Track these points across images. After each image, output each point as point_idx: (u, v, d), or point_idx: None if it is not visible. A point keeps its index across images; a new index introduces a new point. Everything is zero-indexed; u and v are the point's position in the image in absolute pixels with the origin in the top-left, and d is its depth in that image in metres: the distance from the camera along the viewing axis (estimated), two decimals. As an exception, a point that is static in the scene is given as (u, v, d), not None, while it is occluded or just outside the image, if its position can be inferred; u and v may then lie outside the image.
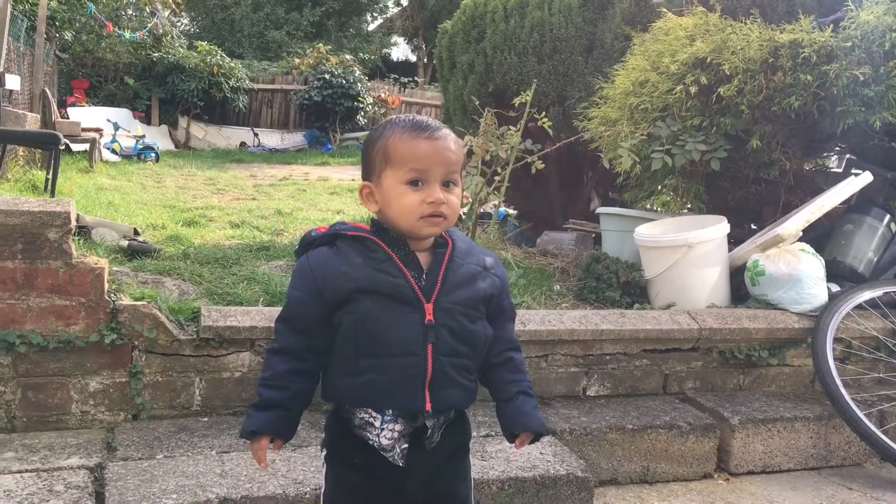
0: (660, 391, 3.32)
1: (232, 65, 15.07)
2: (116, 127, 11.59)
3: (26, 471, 2.26)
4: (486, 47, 5.44)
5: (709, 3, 4.19)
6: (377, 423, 1.53)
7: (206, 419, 2.72)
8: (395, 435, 1.53)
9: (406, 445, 1.53)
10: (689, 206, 4.32)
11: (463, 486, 1.66)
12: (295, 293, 1.55)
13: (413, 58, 26.98)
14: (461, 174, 1.55)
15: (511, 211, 6.25)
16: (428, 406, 1.50)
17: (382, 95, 16.39)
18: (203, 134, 14.95)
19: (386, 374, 1.49)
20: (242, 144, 15.01)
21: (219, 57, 14.80)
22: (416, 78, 21.15)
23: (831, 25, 3.61)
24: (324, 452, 1.63)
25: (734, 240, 3.95)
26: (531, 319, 3.11)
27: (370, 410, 1.53)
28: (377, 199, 1.53)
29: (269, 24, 21.29)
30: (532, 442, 1.67)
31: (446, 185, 1.50)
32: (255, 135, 15.33)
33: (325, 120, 15.56)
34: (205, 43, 15.54)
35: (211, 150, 14.08)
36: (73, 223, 2.58)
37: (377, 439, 1.53)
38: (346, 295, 1.49)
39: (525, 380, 1.66)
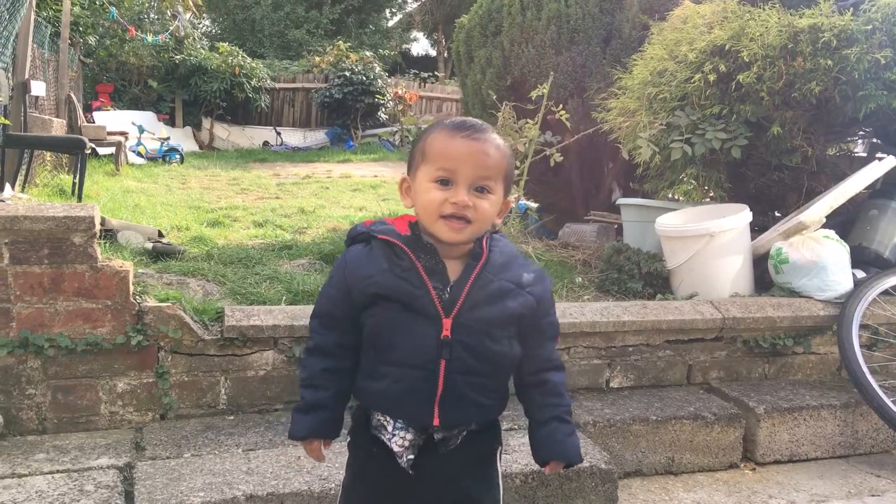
0: (683, 382, 3.31)
1: (253, 65, 15.16)
2: (141, 130, 11.73)
3: (57, 471, 2.31)
4: (503, 41, 5.44)
5: (726, -10, 4.14)
6: (389, 428, 1.52)
7: (231, 417, 2.76)
8: (406, 443, 1.51)
9: (412, 456, 1.51)
10: (710, 194, 4.30)
11: (488, 494, 1.59)
12: (328, 290, 1.56)
13: (433, 52, 26.98)
14: (504, 182, 1.49)
15: (532, 204, 6.24)
16: (436, 422, 1.47)
17: (399, 92, 16.39)
18: (226, 134, 15.07)
19: (398, 384, 1.47)
20: (265, 144, 15.11)
21: (240, 57, 14.90)
22: (436, 73, 21.12)
23: (851, 9, 3.56)
24: (349, 439, 1.64)
25: (757, 227, 3.92)
26: (552, 312, 3.10)
27: (385, 415, 1.53)
28: (412, 194, 1.52)
29: (289, 23, 21.40)
30: (566, 468, 1.62)
31: (479, 190, 1.44)
32: (278, 134, 15.43)
33: (346, 117, 15.61)
34: (226, 44, 15.65)
35: (234, 151, 14.19)
36: (98, 227, 2.63)
37: (389, 443, 1.52)
38: (369, 298, 1.47)
39: (562, 404, 1.58)
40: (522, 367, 1.57)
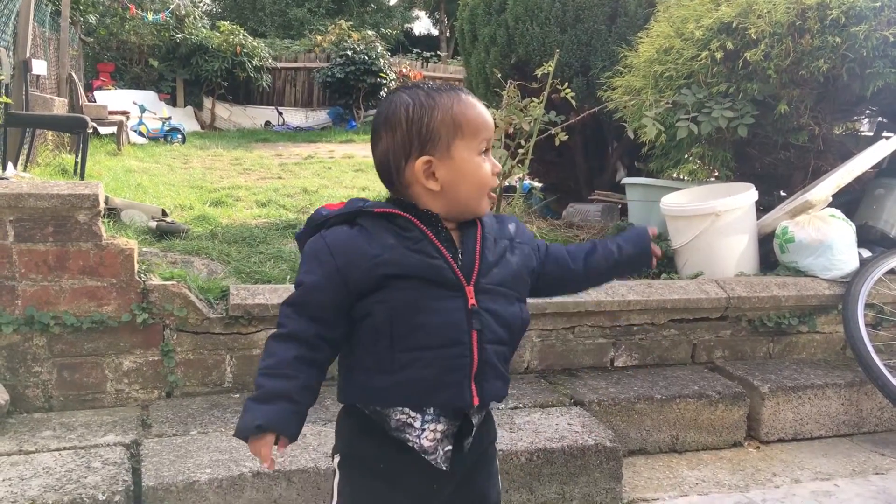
0: (688, 361, 3.31)
1: (255, 44, 15.08)
2: (143, 109, 11.69)
3: (64, 448, 2.31)
4: (508, 19, 5.39)
5: (734, -34, 4.10)
6: (417, 424, 1.37)
7: (237, 395, 2.77)
8: (438, 436, 1.38)
9: (450, 447, 1.39)
10: (716, 173, 4.28)
11: (494, 490, 1.52)
12: (311, 278, 1.35)
13: (435, 32, 26.82)
14: None
15: (536, 184, 6.23)
16: (476, 400, 1.36)
17: (404, 71, 16.31)
18: (228, 114, 15.02)
19: (429, 369, 1.33)
20: (267, 124, 15.06)
21: (241, 36, 14.82)
22: (438, 52, 21.01)
23: (861, -15, 3.53)
24: (337, 459, 1.45)
25: (763, 207, 3.91)
26: (557, 291, 3.10)
27: (408, 410, 1.37)
28: (439, 175, 1.35)
29: (290, 1, 21.28)
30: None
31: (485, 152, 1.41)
32: (280, 114, 15.38)
33: (348, 97, 15.55)
34: (227, 23, 15.57)
35: (236, 131, 14.15)
36: (102, 205, 2.62)
37: (418, 441, 1.38)
38: (378, 281, 1.32)
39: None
40: (569, 265, 1.56)
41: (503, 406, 2.72)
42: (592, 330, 3.16)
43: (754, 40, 3.60)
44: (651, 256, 1.61)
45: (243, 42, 14.71)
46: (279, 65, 15.93)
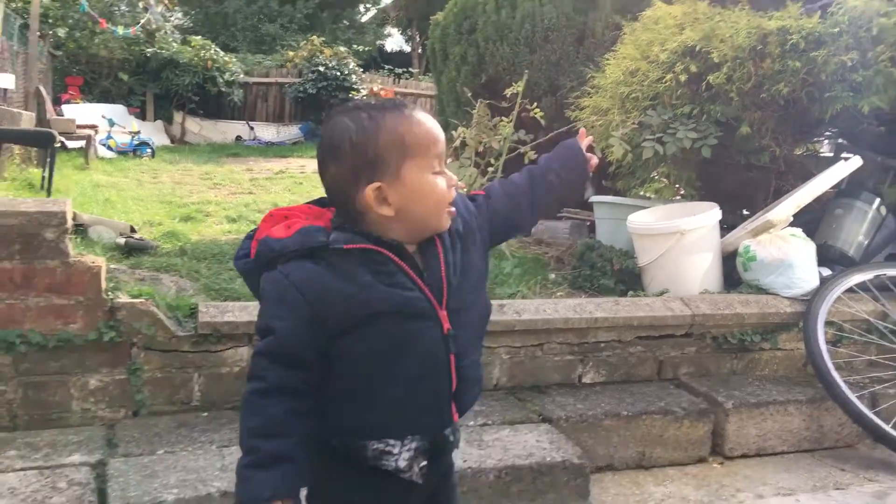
0: (654, 377, 3.36)
1: (226, 59, 15.03)
2: (111, 123, 11.59)
3: (29, 468, 2.29)
4: (478, 38, 5.47)
5: (698, -9, 4.20)
6: (396, 451, 1.35)
7: (205, 414, 2.76)
8: (413, 453, 1.37)
9: (425, 462, 1.38)
10: (681, 192, 4.36)
11: (455, 500, 1.53)
12: (281, 324, 1.27)
13: (407, 49, 26.92)
14: None
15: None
16: (455, 417, 1.39)
17: (375, 89, 16.34)
18: (198, 129, 14.93)
19: (411, 401, 1.33)
20: (238, 138, 15.00)
21: (213, 51, 14.76)
22: (410, 69, 21.10)
23: (819, 11, 3.63)
24: (304, 492, 1.36)
25: (727, 225, 3.98)
26: (526, 309, 3.14)
27: (387, 439, 1.35)
28: (392, 201, 1.29)
29: (262, 17, 21.22)
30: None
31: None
32: (251, 128, 15.32)
33: (320, 112, 15.54)
34: (198, 37, 15.50)
35: (207, 145, 14.06)
36: (70, 222, 2.61)
37: (395, 464, 1.35)
38: (357, 321, 1.27)
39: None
40: (514, 217, 1.54)
41: (472, 423, 2.75)
42: (560, 347, 3.20)
43: (717, 64, 3.69)
44: (588, 173, 1.59)
45: (215, 57, 14.66)
46: (251, 79, 15.88)
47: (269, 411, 1.27)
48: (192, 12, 22.66)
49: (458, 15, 5.76)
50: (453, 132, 4.30)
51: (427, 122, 1.33)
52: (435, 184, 1.31)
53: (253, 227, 1.42)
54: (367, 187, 1.28)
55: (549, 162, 1.58)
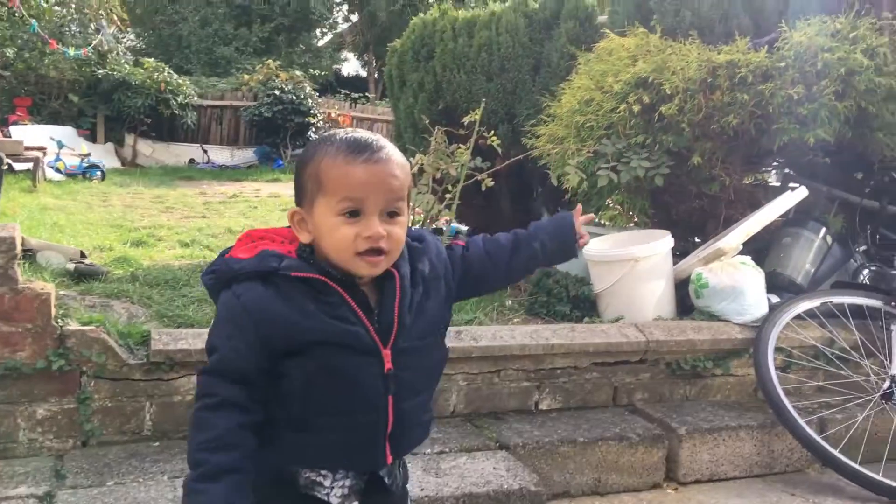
0: (610, 403, 3.39)
1: (180, 81, 14.90)
2: (61, 145, 11.36)
3: (-28, 502, 2.22)
4: (436, 66, 5.51)
5: (650, 24, 4.32)
6: (327, 483, 1.37)
7: (157, 444, 2.70)
8: (346, 491, 1.38)
9: (356, 503, 1.39)
10: (635, 220, 4.43)
11: None
12: (228, 343, 1.30)
13: (364, 73, 27.00)
14: (409, 198, 1.37)
15: (463, 227, 6.31)
16: (389, 459, 1.38)
17: (332, 115, 16.33)
18: (151, 151, 14.72)
19: (343, 434, 1.33)
20: (191, 161, 14.83)
21: (166, 73, 14.62)
22: (367, 94, 21.15)
23: (766, 46, 3.75)
24: None
25: (680, 252, 4.06)
26: (483, 335, 3.15)
27: (320, 469, 1.37)
28: (309, 229, 1.34)
29: (217, 39, 21.09)
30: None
31: (390, 215, 1.31)
32: (205, 151, 15.15)
33: (276, 136, 15.46)
34: (151, 59, 15.34)
35: (159, 168, 13.86)
36: (19, 248, 2.55)
37: (326, 498, 1.37)
38: (297, 347, 1.29)
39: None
40: (489, 273, 1.53)
41: (429, 451, 2.73)
42: (517, 373, 3.21)
43: (669, 95, 3.78)
44: (576, 250, 1.58)
45: (168, 79, 14.51)
46: (205, 102, 15.74)
47: (217, 424, 1.28)
48: (146, 34, 22.45)
49: (415, 42, 5.80)
50: (411, 158, 4.31)
51: (349, 165, 1.29)
52: (336, 228, 1.29)
53: (207, 251, 1.43)
54: (291, 210, 1.36)
55: (539, 230, 1.57)
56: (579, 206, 1.61)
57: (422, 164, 4.30)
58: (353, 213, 1.29)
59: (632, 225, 4.41)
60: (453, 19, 5.58)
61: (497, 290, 1.62)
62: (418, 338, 1.38)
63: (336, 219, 1.29)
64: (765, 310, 3.56)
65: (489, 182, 4.43)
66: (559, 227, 1.56)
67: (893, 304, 3.51)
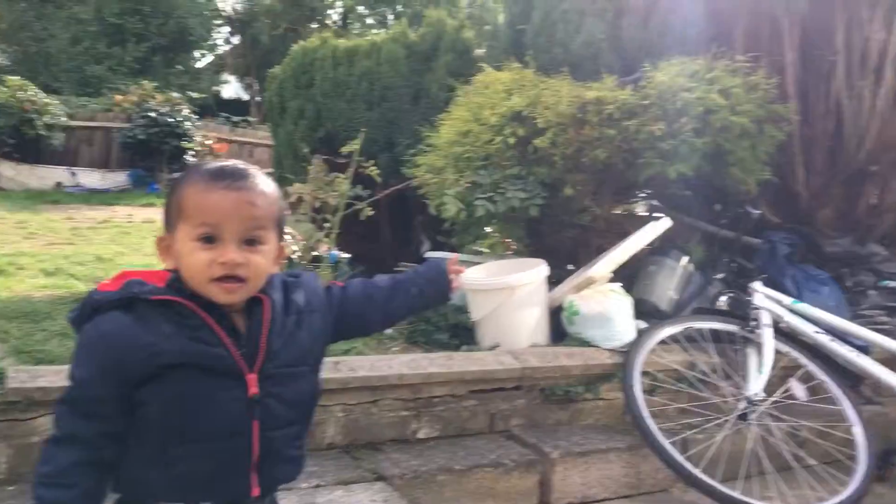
0: (487, 430, 3.43)
1: (47, 101, 14.17)
2: (-90, 166, 10.59)
3: None
4: (316, 94, 5.51)
5: (524, 60, 4.47)
6: None
7: (12, 488, 2.54)
8: None
9: None
10: (513, 247, 4.55)
11: None
12: (81, 372, 1.30)
13: (245, 96, 26.54)
14: (280, 228, 1.38)
15: (343, 255, 6.28)
16: (255, 491, 1.35)
17: (209, 142, 15.82)
18: (14, 173, 13.89)
19: (205, 463, 1.30)
20: (59, 184, 14.10)
21: (31, 92, 13.89)
22: (248, 118, 20.78)
23: (632, 84, 3.96)
24: None
25: (554, 280, 4.18)
26: (361, 366, 3.15)
27: (179, 503, 1.34)
28: (172, 254, 1.35)
29: (88, 58, 20.23)
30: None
31: (249, 242, 1.30)
32: (73, 174, 14.44)
33: (151, 159, 14.92)
34: (16, 77, 14.54)
35: (23, 192, 13.10)
36: None
37: None
38: (153, 371, 1.27)
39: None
40: (366, 317, 1.57)
41: (305, 485, 2.69)
42: (395, 403, 3.22)
43: (542, 129, 3.92)
44: (449, 295, 1.66)
45: (33, 98, 13.79)
46: (74, 123, 15.03)
47: (58, 460, 1.28)
48: (10, 51, 21.28)
49: (296, 69, 5.78)
50: (288, 188, 4.28)
51: (208, 192, 1.30)
52: (191, 253, 1.30)
53: (73, 280, 1.41)
54: (158, 236, 1.38)
55: (416, 275, 1.65)
56: (454, 257, 1.71)
57: (301, 194, 4.28)
58: (209, 239, 1.29)
59: (509, 253, 4.52)
60: (334, 47, 5.61)
61: (376, 332, 1.66)
62: (287, 365, 1.37)
63: (193, 244, 1.30)
64: (632, 335, 3.72)
65: (368, 211, 4.45)
66: (434, 274, 1.64)
67: (748, 329, 3.73)
